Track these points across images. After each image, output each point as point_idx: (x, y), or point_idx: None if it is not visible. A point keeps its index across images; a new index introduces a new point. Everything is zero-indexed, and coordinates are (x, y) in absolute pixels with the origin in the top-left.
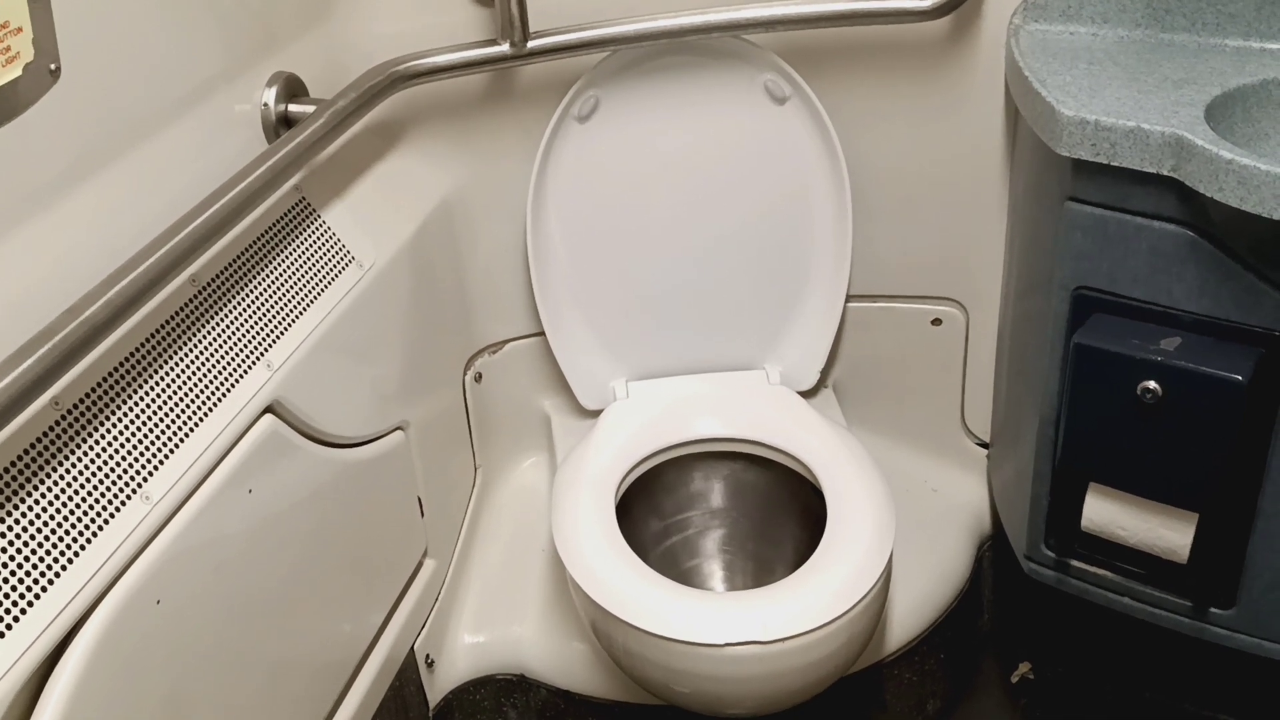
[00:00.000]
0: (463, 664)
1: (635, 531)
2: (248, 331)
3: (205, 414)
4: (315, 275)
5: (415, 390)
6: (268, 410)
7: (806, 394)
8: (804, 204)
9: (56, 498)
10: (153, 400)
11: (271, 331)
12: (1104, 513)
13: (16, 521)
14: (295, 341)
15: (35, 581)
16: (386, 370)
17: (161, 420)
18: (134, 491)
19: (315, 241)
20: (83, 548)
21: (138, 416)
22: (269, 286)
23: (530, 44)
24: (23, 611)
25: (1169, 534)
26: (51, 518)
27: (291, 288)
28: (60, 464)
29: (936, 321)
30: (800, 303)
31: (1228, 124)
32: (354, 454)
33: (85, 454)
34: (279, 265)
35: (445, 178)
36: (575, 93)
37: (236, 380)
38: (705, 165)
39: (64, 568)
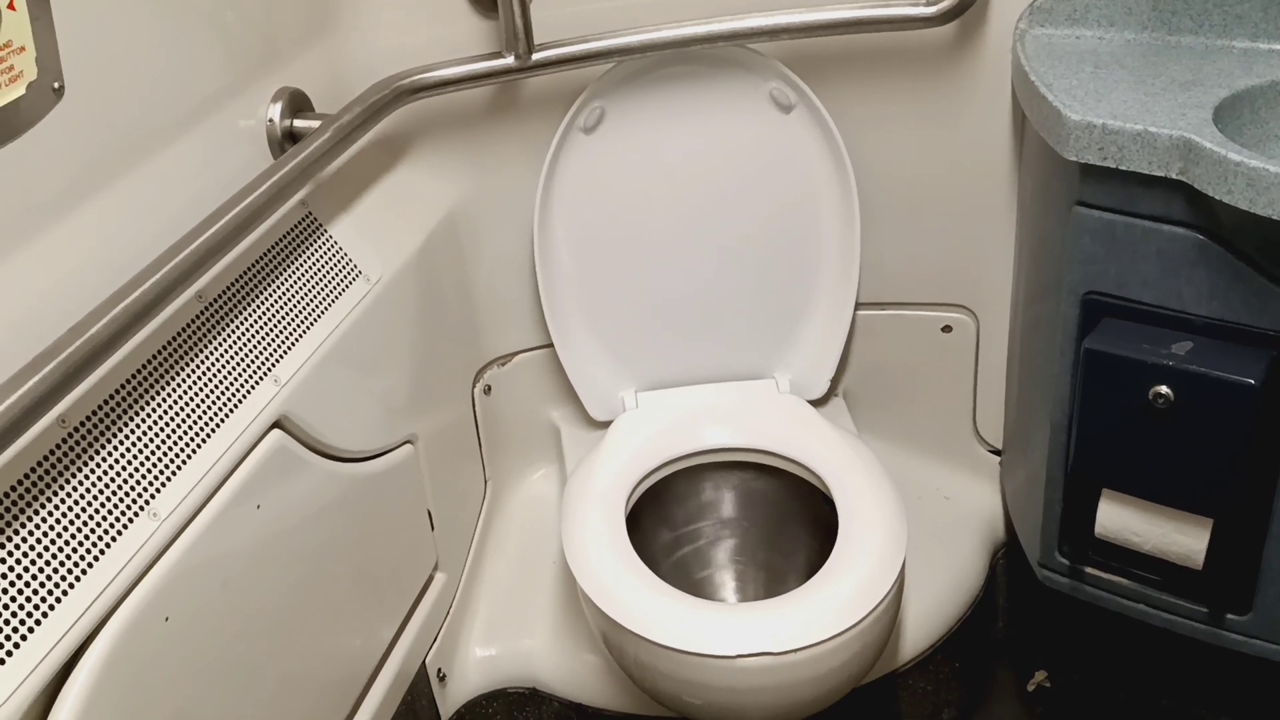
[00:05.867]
0: (474, 678)
1: (646, 543)
2: (254, 347)
3: (212, 430)
4: (322, 290)
5: (424, 403)
6: (275, 425)
7: (817, 402)
8: (811, 212)
9: (64, 515)
10: (159, 416)
11: (278, 346)
12: (1118, 519)
13: (24, 539)
14: (303, 356)
15: (43, 600)
16: (395, 384)
17: (168, 436)
18: (141, 508)
19: (321, 256)
20: (90, 565)
21: (144, 433)
22: (275, 301)
23: (535, 56)
24: (30, 630)
25: (1184, 540)
26: (59, 535)
27: (298, 302)
28: (67, 481)
29: (947, 328)
30: (809, 311)
31: (1236, 126)
32: (363, 468)
33: (92, 471)
34: (285, 280)
35: (451, 190)
36: (580, 104)
37: (244, 396)
38: (712, 175)
39: (72, 585)
